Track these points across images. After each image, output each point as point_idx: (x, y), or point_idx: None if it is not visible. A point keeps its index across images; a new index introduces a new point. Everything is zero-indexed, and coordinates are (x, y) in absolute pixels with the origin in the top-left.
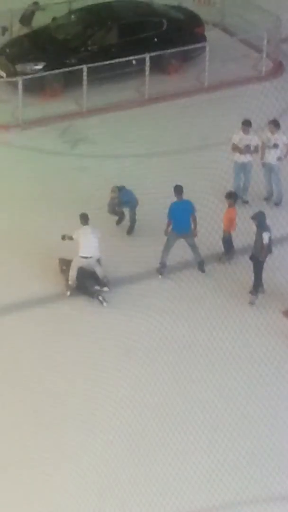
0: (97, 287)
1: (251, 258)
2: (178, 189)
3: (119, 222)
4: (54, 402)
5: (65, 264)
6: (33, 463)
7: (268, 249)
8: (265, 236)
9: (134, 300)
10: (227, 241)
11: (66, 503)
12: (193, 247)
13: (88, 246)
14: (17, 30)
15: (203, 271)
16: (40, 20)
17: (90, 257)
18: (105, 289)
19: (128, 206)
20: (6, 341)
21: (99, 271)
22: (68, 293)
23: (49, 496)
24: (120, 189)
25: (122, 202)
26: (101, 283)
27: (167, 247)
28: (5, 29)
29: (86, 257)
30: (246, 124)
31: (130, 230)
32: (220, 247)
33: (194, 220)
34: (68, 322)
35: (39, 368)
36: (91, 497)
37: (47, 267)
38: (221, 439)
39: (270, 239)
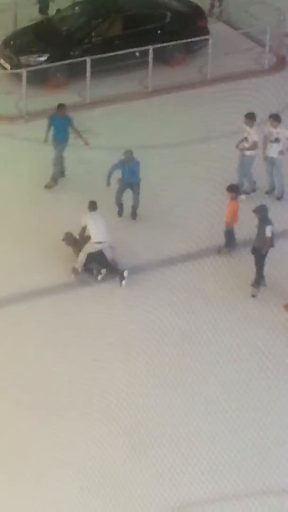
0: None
1: (253, 251)
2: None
3: (120, 213)
4: (55, 393)
5: (71, 240)
6: (32, 454)
7: (270, 243)
8: (268, 230)
9: (135, 292)
10: (229, 234)
11: (65, 494)
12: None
13: (99, 231)
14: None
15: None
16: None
17: (104, 242)
18: (125, 273)
19: (131, 182)
20: (8, 332)
21: (109, 255)
22: (73, 276)
23: (48, 487)
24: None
25: (129, 172)
26: (110, 267)
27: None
28: None
29: (100, 242)
30: (250, 117)
31: (134, 214)
32: (221, 240)
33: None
34: (70, 314)
35: (41, 359)
36: (91, 488)
37: (51, 259)
38: (221, 431)
39: (272, 232)
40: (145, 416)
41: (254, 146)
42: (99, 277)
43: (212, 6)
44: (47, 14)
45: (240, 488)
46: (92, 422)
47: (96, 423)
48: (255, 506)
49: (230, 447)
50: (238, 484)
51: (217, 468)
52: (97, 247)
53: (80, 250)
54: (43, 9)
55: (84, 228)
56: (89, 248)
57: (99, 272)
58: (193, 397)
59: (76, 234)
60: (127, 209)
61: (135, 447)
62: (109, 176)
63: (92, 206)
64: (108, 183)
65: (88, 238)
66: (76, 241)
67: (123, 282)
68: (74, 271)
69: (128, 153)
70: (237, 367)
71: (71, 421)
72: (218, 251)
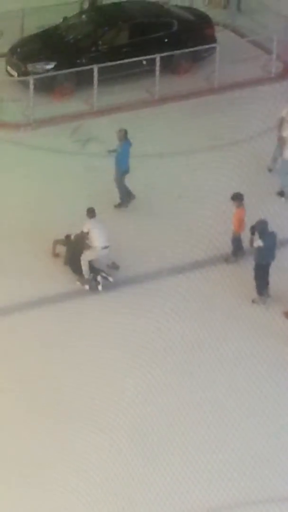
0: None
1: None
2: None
3: (128, 201)
4: (61, 400)
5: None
6: (38, 460)
7: (271, 255)
8: (256, 243)
9: (142, 300)
10: (237, 242)
11: (71, 501)
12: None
13: (103, 236)
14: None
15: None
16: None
17: (108, 246)
18: (110, 279)
19: (121, 166)
20: (14, 339)
21: (108, 258)
22: (87, 287)
23: (53, 494)
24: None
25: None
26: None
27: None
28: (1, 33)
29: (106, 247)
30: None
31: (122, 204)
32: (229, 248)
33: None
34: (75, 322)
35: (45, 367)
36: (96, 495)
37: (57, 266)
38: (229, 438)
39: (273, 245)
40: (151, 424)
41: None
42: (100, 287)
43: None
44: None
45: (247, 496)
46: (97, 429)
47: (101, 430)
48: None
49: (238, 455)
50: (245, 492)
51: (224, 476)
52: (103, 252)
53: (70, 251)
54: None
55: (85, 234)
56: (90, 255)
57: (97, 283)
58: (200, 405)
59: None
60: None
61: (141, 455)
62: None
63: (91, 212)
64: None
65: (75, 246)
66: (68, 241)
67: (99, 286)
68: (85, 282)
69: (121, 132)
70: (244, 374)
71: (75, 429)
72: (226, 259)
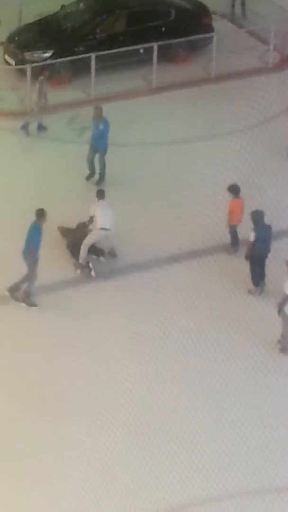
0: (94, 256)
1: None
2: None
3: (89, 177)
4: (59, 390)
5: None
6: (37, 453)
7: (265, 247)
8: (251, 235)
9: (140, 289)
10: (232, 233)
11: (71, 493)
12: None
13: (106, 218)
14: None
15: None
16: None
17: (109, 229)
18: (101, 259)
19: (96, 147)
20: (12, 329)
21: (108, 244)
22: (78, 271)
23: (53, 487)
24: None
25: (97, 133)
26: (101, 253)
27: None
28: None
29: (106, 229)
30: None
31: (100, 180)
32: (225, 238)
33: None
34: (73, 311)
35: (43, 357)
36: (95, 486)
37: (55, 254)
38: (226, 429)
39: (268, 238)
40: (149, 414)
41: None
42: (93, 273)
43: (233, 10)
44: None
45: (244, 486)
46: (95, 419)
47: (99, 420)
48: (259, 503)
49: (234, 445)
50: (242, 482)
51: (221, 466)
52: (102, 233)
53: (70, 242)
54: None
55: (92, 218)
56: (91, 238)
57: (90, 269)
58: (197, 395)
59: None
60: (129, 207)
61: (139, 445)
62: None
63: (100, 194)
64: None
65: (80, 232)
66: (68, 233)
67: (92, 273)
68: (78, 266)
69: (98, 109)
70: (241, 365)
71: (73, 419)
72: (227, 250)
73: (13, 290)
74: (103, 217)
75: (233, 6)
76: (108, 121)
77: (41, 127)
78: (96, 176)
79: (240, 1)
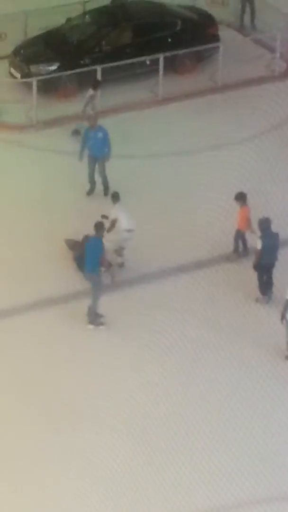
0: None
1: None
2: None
3: (90, 192)
4: (64, 401)
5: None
6: (42, 461)
7: (272, 256)
8: (258, 243)
9: (146, 299)
10: (241, 240)
11: (75, 501)
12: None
13: (128, 219)
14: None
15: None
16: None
17: (134, 230)
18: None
19: (96, 157)
20: (18, 340)
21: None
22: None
23: (56, 497)
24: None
25: (96, 142)
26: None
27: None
28: (4, 35)
29: (131, 230)
30: None
31: (106, 192)
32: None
33: None
34: (79, 322)
35: (48, 367)
36: (99, 494)
37: (60, 267)
38: (233, 437)
39: (276, 246)
40: (155, 423)
41: None
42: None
43: (241, 21)
44: None
45: (252, 495)
46: (100, 428)
47: (104, 429)
48: None
49: (242, 454)
50: (250, 490)
51: (229, 475)
52: (127, 235)
53: (77, 255)
54: None
55: (114, 222)
56: (117, 241)
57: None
58: (204, 404)
59: (80, 239)
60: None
61: (143, 454)
62: (81, 151)
63: (116, 197)
64: (81, 158)
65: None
66: (75, 245)
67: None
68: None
69: (92, 118)
70: (248, 373)
71: (78, 428)
72: (227, 257)
73: (92, 316)
74: (126, 219)
75: (242, 18)
76: (105, 128)
77: (75, 132)
78: (100, 188)
79: (250, 12)
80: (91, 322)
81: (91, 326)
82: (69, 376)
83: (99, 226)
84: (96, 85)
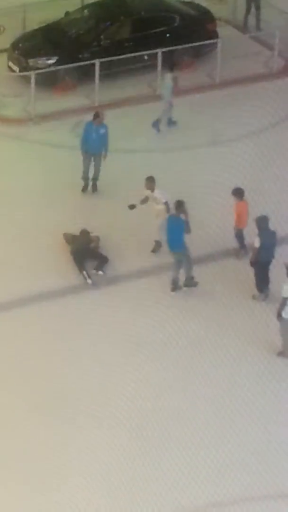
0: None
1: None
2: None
3: (85, 189)
4: (62, 396)
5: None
6: (39, 458)
7: (269, 253)
8: (256, 240)
9: (142, 295)
10: (239, 237)
11: (74, 498)
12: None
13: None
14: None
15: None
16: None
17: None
18: (100, 272)
19: (94, 153)
20: (15, 335)
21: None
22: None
23: (55, 492)
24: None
25: (97, 138)
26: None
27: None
28: (2, 28)
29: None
30: None
31: (95, 188)
32: (230, 243)
33: None
34: (77, 316)
35: (47, 362)
36: (97, 490)
37: (57, 261)
38: (229, 434)
39: (273, 243)
40: (152, 419)
41: None
42: (89, 281)
43: (246, 21)
44: None
45: (248, 492)
46: (98, 424)
47: (102, 425)
48: (262, 509)
49: (237, 450)
50: (246, 487)
51: (224, 471)
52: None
53: (75, 249)
54: None
55: (146, 198)
56: (163, 214)
57: (88, 276)
58: (200, 400)
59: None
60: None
61: (141, 450)
62: (83, 145)
63: (152, 181)
64: (83, 152)
65: (84, 238)
66: (73, 239)
67: (88, 280)
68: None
69: (101, 114)
70: (244, 370)
71: (76, 425)
72: (235, 254)
73: (189, 282)
74: (161, 192)
75: (246, 19)
76: (107, 125)
77: (171, 122)
78: (99, 184)
79: (255, 13)
80: (186, 285)
81: (185, 289)
82: (64, 371)
83: (179, 204)
84: (172, 67)
